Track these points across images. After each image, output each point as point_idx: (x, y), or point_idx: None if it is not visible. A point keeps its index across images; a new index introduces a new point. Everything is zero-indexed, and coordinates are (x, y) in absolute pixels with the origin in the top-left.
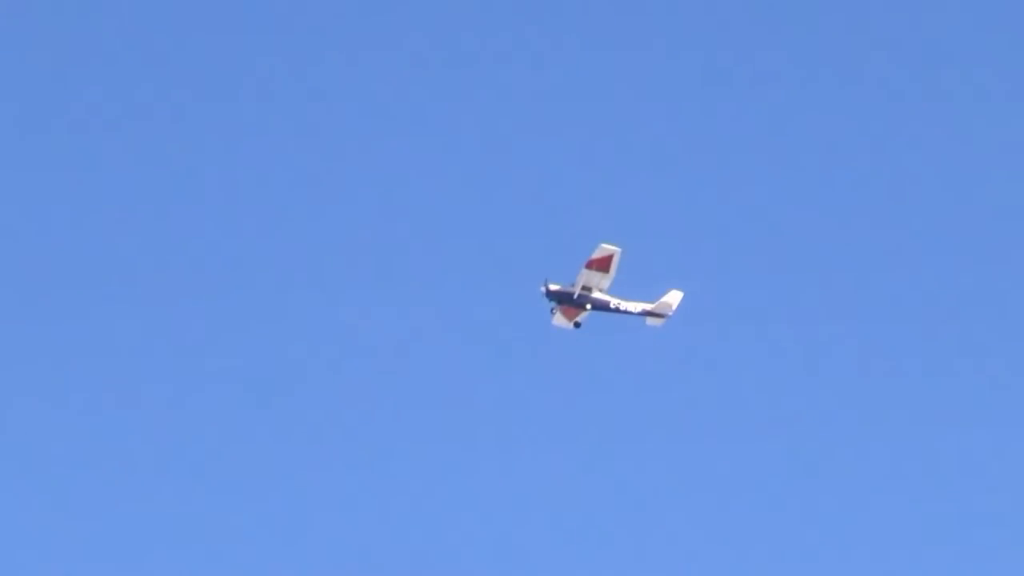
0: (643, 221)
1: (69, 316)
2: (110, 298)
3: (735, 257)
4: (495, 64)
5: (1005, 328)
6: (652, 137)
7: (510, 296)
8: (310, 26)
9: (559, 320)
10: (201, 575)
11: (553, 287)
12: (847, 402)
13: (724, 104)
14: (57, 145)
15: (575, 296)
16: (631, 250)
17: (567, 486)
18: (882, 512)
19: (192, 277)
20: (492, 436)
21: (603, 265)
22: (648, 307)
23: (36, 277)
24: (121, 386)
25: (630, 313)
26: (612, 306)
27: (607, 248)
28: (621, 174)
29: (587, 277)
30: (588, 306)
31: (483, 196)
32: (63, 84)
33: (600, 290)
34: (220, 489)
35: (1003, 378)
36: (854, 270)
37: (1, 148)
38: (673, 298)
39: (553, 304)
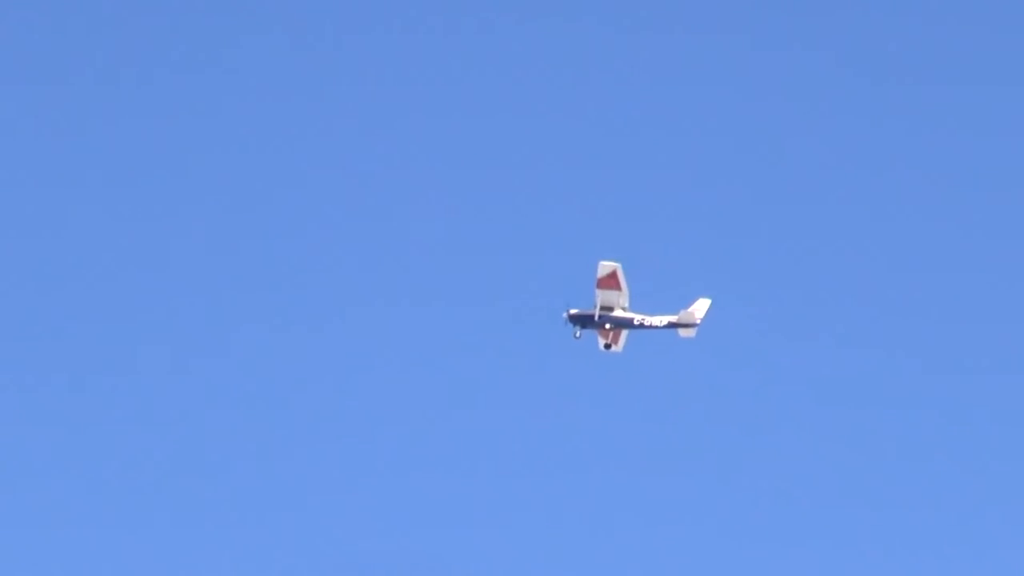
0: (663, 230)
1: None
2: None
3: (758, 261)
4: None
5: None
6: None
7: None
8: (307, 25)
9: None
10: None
11: (573, 311)
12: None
13: (732, 100)
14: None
15: (596, 318)
16: (650, 262)
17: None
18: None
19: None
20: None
21: (612, 283)
22: (673, 319)
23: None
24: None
25: (656, 327)
26: (636, 322)
27: (606, 265)
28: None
29: (603, 297)
30: (608, 325)
31: (477, 212)
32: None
33: (622, 308)
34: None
35: None
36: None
37: None
38: (699, 307)
39: (576, 328)
